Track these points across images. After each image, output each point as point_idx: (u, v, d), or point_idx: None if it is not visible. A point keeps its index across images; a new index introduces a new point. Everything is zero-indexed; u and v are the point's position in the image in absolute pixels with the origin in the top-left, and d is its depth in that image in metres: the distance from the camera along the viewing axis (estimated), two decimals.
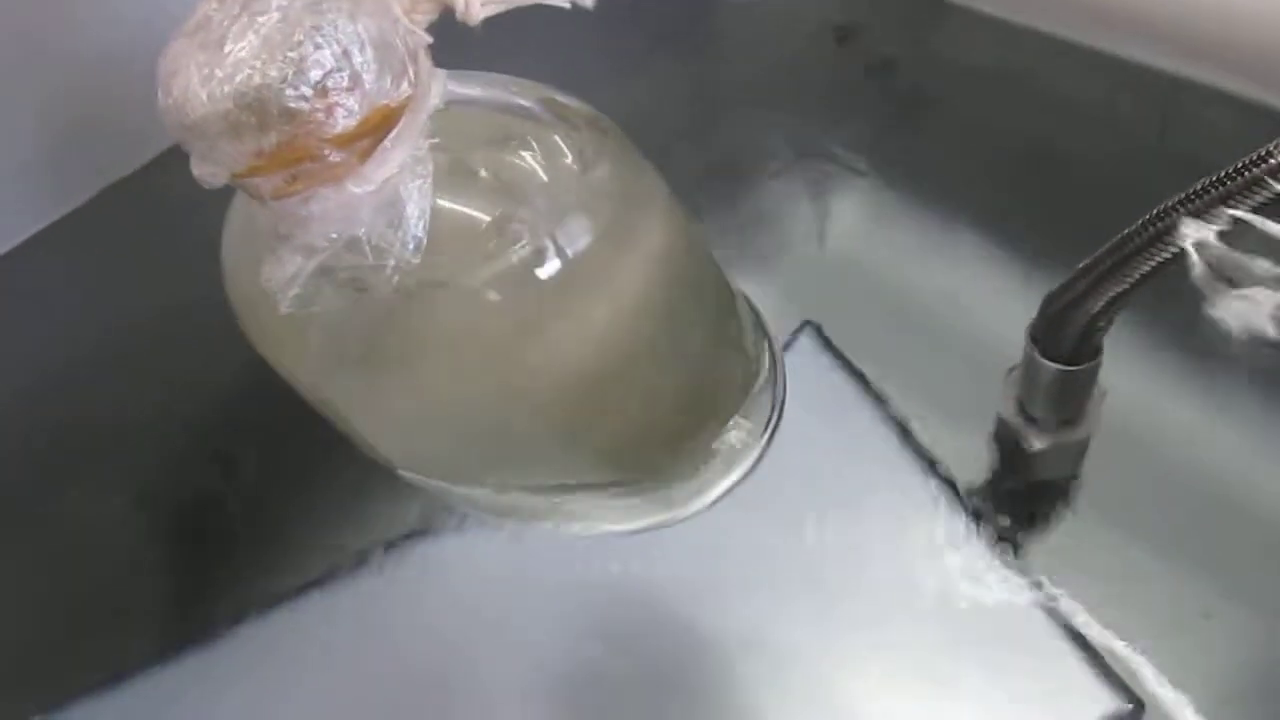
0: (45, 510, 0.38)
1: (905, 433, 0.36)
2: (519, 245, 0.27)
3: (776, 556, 0.34)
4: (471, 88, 0.27)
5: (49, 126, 0.41)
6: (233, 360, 0.32)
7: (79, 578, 0.37)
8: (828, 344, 0.38)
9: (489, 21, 0.28)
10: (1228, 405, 0.35)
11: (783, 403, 0.37)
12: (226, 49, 0.23)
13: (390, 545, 0.36)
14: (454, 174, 0.26)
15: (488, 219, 0.27)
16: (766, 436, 0.37)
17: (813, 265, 0.41)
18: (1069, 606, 0.32)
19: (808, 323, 0.38)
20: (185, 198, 0.27)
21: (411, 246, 0.25)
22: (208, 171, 0.24)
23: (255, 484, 0.38)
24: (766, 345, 0.38)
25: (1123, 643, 0.31)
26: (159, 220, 0.28)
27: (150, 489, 0.38)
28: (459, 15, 0.24)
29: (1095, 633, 0.31)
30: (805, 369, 0.37)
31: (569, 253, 0.27)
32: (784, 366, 0.37)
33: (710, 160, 0.32)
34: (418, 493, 0.36)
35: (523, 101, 0.28)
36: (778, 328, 0.38)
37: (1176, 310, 0.34)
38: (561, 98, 0.29)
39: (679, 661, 0.32)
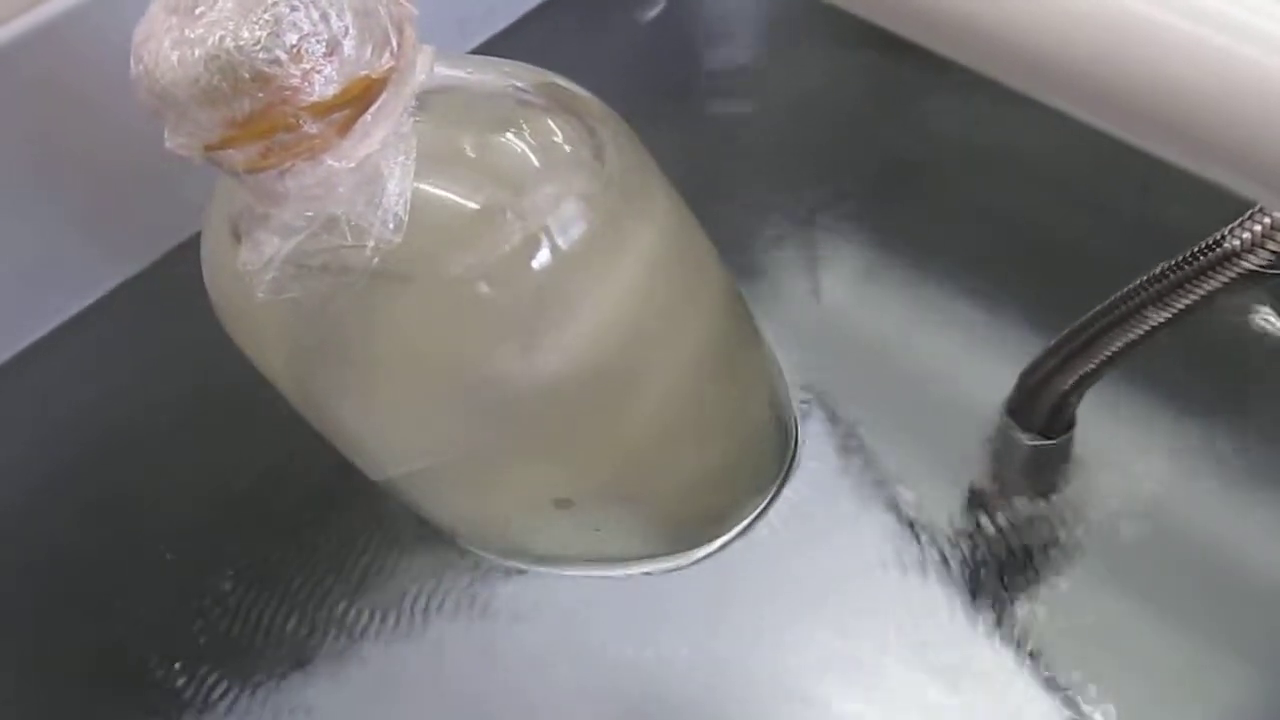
0: (83, 574, 0.38)
1: (897, 499, 0.35)
2: (510, 233, 0.25)
3: (778, 616, 0.34)
4: (463, 69, 0.26)
5: (101, 200, 0.42)
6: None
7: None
8: (833, 413, 0.38)
9: None
10: (1213, 473, 0.34)
11: (793, 456, 0.36)
12: (199, 11, 0.22)
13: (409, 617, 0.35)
14: (442, 158, 0.25)
15: (476, 205, 0.26)
16: (776, 488, 0.36)
17: (805, 328, 0.40)
18: (1058, 671, 0.31)
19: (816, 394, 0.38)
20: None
21: (392, 226, 0.23)
22: (180, 144, 0.23)
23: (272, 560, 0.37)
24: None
25: (1111, 709, 0.30)
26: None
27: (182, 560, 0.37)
28: None
29: (1082, 698, 0.30)
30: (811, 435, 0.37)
31: (562, 242, 0.26)
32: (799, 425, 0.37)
33: (708, 226, 0.32)
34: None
35: (518, 84, 0.27)
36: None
37: (1154, 379, 0.34)
38: (561, 82, 0.28)
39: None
